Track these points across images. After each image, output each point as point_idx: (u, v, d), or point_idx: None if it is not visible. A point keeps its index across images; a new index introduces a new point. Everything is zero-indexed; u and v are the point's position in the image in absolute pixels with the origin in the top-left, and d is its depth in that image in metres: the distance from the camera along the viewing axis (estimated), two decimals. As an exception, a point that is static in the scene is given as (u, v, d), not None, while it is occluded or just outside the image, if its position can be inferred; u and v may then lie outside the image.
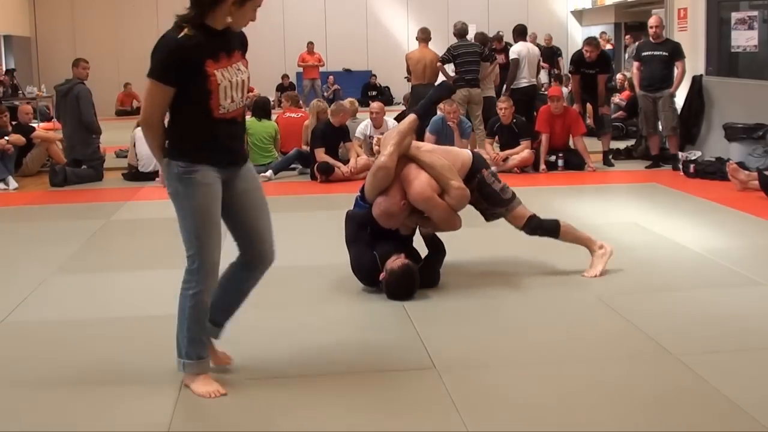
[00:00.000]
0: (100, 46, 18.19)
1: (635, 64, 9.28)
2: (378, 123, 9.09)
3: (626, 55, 16.99)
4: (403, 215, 4.37)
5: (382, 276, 4.29)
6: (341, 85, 19.14)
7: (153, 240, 6.14)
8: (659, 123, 9.05)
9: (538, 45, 13.58)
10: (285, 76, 18.35)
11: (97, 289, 4.76)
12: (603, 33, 17.58)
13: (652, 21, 9.10)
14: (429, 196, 4.31)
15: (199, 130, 3.05)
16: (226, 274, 3.31)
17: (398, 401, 3.08)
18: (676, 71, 8.88)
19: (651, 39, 9.01)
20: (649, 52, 8.95)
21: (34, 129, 9.52)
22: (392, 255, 4.32)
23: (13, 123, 9.56)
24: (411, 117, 4.47)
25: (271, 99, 14.07)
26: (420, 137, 9.33)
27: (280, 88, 17.57)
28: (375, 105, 9.36)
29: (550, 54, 16.11)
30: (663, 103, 8.87)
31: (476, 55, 9.84)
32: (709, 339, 3.65)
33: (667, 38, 9.09)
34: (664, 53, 8.84)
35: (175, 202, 3.15)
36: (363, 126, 9.21)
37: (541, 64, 12.41)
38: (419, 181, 4.32)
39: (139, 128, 8.91)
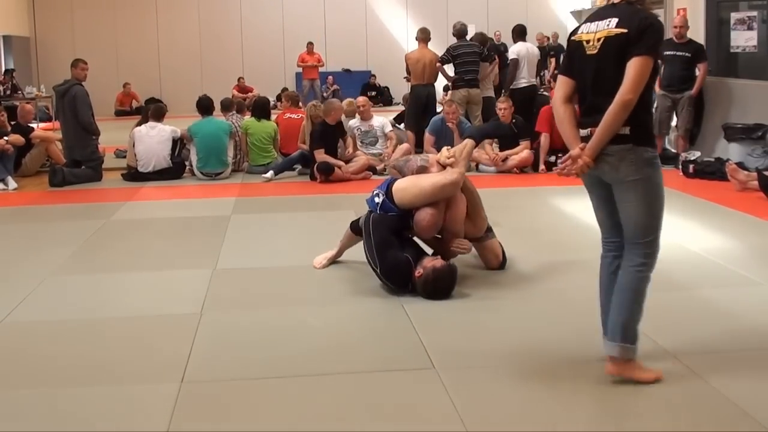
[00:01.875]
0: (99, 47, 18.18)
1: None
2: (366, 116, 9.18)
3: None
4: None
5: (418, 274, 4.31)
6: (340, 86, 19.14)
7: (152, 240, 6.14)
8: (671, 124, 9.06)
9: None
10: (285, 89, 18.11)
11: (97, 289, 4.76)
12: None
13: (676, 21, 9.05)
14: (464, 219, 4.63)
15: (650, 112, 3.16)
16: (608, 279, 3.33)
17: (398, 401, 3.08)
18: (697, 72, 8.86)
19: (674, 38, 8.96)
20: (671, 52, 8.90)
21: (33, 129, 9.52)
22: (422, 257, 4.42)
23: (12, 123, 9.56)
24: (471, 142, 4.70)
25: (271, 100, 14.07)
26: (420, 137, 9.38)
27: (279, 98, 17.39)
28: (361, 99, 9.55)
29: (542, 54, 16.09)
30: (682, 104, 8.88)
31: (475, 55, 9.84)
32: (709, 339, 3.65)
33: (690, 39, 9.00)
34: (686, 54, 8.81)
35: (644, 189, 3.08)
36: (352, 122, 9.25)
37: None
38: (462, 206, 4.60)
39: (139, 128, 8.94)
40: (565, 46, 15.86)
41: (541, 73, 15.27)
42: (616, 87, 2.98)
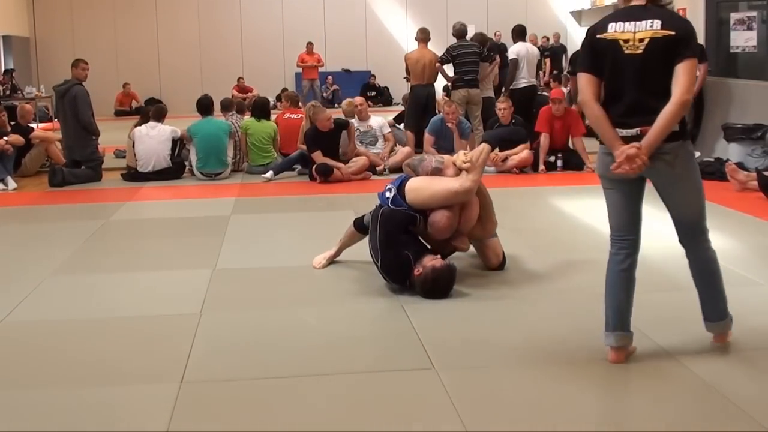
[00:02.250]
0: (99, 47, 18.18)
1: None
2: (364, 116, 9.20)
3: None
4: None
5: (417, 272, 4.31)
6: (340, 86, 19.15)
7: (152, 240, 6.14)
8: None
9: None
10: (284, 90, 18.18)
11: (97, 289, 4.76)
12: None
13: None
14: (475, 222, 4.67)
15: None
16: (617, 276, 3.40)
17: (397, 401, 3.08)
18: (697, 73, 8.86)
19: None
20: None
21: (32, 129, 9.52)
22: (423, 256, 4.41)
23: (12, 123, 9.55)
24: (487, 147, 4.71)
25: (271, 100, 14.06)
26: (419, 138, 9.39)
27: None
28: (358, 99, 9.60)
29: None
30: None
31: (475, 55, 9.84)
32: (708, 339, 3.64)
33: None
34: None
35: (696, 178, 3.34)
36: (352, 121, 9.28)
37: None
38: (475, 209, 4.63)
39: (139, 128, 8.93)
40: (565, 47, 15.73)
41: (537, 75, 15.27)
42: (664, 87, 3.10)
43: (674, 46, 3.09)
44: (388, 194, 4.58)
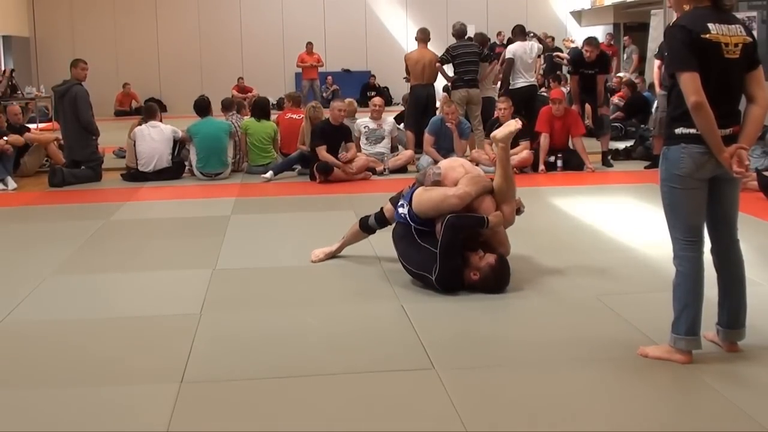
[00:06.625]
0: (98, 47, 18.19)
1: (656, 62, 9.18)
2: (377, 115, 9.24)
3: (624, 56, 17.00)
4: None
5: (475, 276, 4.38)
6: (340, 86, 19.15)
7: (152, 240, 6.14)
8: None
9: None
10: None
11: (97, 289, 4.76)
12: (609, 35, 17.47)
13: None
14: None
15: None
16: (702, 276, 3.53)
17: (397, 401, 3.08)
18: None
19: None
20: None
21: (28, 129, 9.49)
22: (468, 257, 4.44)
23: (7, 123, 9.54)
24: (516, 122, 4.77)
25: (272, 100, 14.06)
26: (419, 138, 9.39)
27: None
28: (377, 99, 9.62)
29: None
30: None
31: (475, 55, 9.83)
32: (707, 339, 3.65)
33: None
34: None
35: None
36: (362, 120, 9.32)
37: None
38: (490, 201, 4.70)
39: (140, 127, 8.94)
40: (559, 49, 15.56)
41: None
42: (741, 92, 3.24)
43: (753, 52, 3.22)
44: (401, 210, 4.66)
